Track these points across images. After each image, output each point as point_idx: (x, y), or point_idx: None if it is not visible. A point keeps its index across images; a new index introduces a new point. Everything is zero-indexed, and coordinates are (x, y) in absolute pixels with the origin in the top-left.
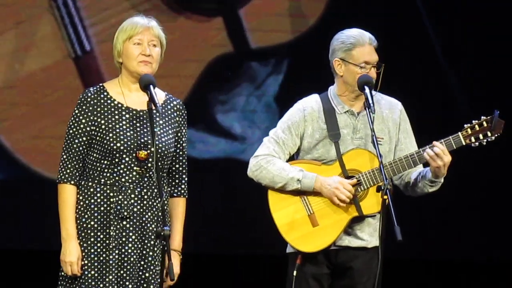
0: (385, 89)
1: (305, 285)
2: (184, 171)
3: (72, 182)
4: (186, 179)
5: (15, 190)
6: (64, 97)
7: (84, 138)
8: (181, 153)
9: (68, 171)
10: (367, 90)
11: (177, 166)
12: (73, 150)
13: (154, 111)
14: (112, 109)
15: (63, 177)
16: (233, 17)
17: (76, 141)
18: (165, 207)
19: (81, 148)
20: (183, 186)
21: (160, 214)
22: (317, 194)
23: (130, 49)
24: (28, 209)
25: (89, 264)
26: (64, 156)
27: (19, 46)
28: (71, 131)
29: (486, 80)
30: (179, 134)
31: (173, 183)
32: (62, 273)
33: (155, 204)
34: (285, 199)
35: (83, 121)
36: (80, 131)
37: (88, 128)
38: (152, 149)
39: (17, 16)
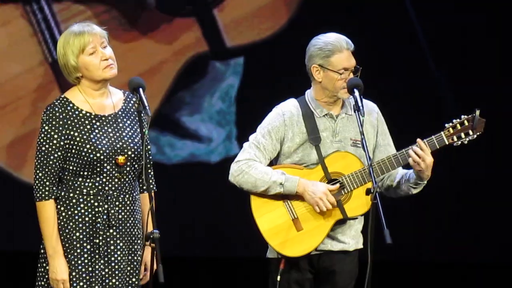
0: (373, 88)
1: None
2: (149, 166)
3: (52, 197)
4: (152, 173)
5: None
6: (41, 101)
7: (60, 153)
8: (146, 148)
9: (47, 188)
10: (356, 93)
11: (143, 162)
12: (49, 167)
13: (118, 114)
14: (82, 120)
15: (42, 195)
16: (207, 17)
17: (52, 157)
18: (136, 207)
19: (57, 163)
20: (150, 181)
21: (139, 217)
22: (300, 198)
23: (89, 60)
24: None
25: (77, 276)
26: (40, 174)
27: None
28: (43, 148)
29: (473, 79)
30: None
31: (140, 179)
32: (41, 285)
33: (135, 208)
34: (268, 203)
35: (55, 136)
36: (53, 147)
37: (62, 143)
38: (129, 152)
39: None
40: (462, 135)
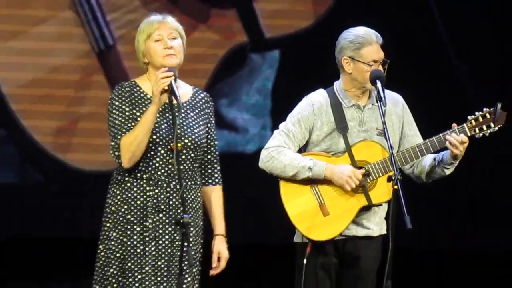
0: (396, 81)
1: (314, 274)
2: (215, 160)
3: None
4: (218, 168)
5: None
6: (90, 91)
7: (132, 124)
8: (212, 143)
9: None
10: (378, 84)
11: (209, 156)
12: (123, 132)
13: (183, 104)
14: (146, 103)
15: (118, 141)
16: (246, 8)
17: (126, 127)
18: (189, 195)
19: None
20: (216, 175)
21: (192, 204)
22: (328, 184)
23: (153, 46)
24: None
25: (126, 256)
26: (118, 136)
27: (43, 42)
28: (117, 122)
29: (496, 72)
30: (209, 125)
31: (206, 173)
32: (98, 264)
33: (189, 196)
34: (297, 190)
35: (127, 109)
36: (127, 118)
37: (133, 116)
38: (186, 140)
39: (39, 12)
40: (484, 127)
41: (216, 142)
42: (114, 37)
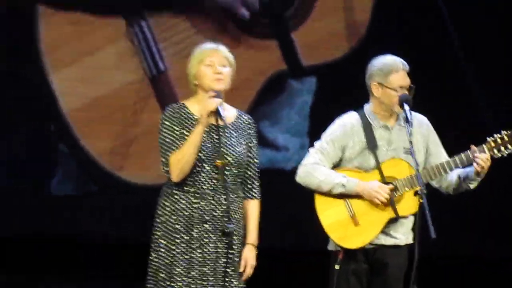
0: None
1: (346, 280)
2: (255, 177)
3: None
4: (257, 183)
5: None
6: (143, 111)
7: (181, 142)
8: (252, 161)
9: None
10: (406, 107)
11: (249, 173)
12: (173, 150)
13: (227, 125)
14: (193, 123)
15: (168, 157)
16: (286, 39)
17: (174, 147)
18: (232, 207)
19: (174, 147)
20: (255, 190)
21: (235, 215)
22: (358, 197)
23: (204, 70)
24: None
25: (174, 262)
26: (168, 153)
27: (102, 66)
28: (167, 140)
29: (501, 72)
30: (250, 145)
31: (246, 188)
32: (150, 269)
33: (231, 207)
34: (330, 202)
35: (176, 128)
36: (177, 136)
37: (182, 135)
38: (229, 158)
39: (99, 40)
40: (502, 148)
41: (256, 160)
42: (165, 64)
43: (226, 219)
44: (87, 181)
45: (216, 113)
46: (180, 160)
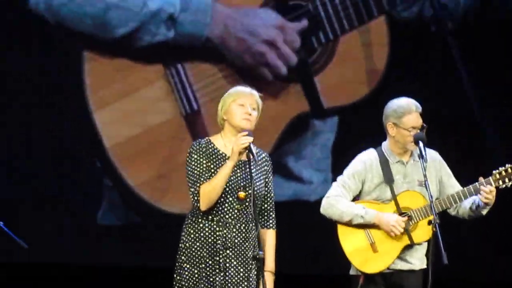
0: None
1: None
2: (271, 209)
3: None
4: (273, 215)
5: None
6: (176, 148)
7: (208, 175)
8: (269, 195)
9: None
10: (421, 144)
11: (265, 205)
12: (201, 181)
13: (254, 160)
14: (219, 157)
15: (198, 188)
16: (309, 83)
17: (203, 178)
18: (250, 235)
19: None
20: (271, 221)
21: (254, 243)
22: (377, 227)
23: (235, 108)
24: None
25: (198, 284)
26: (197, 184)
27: (141, 105)
28: (195, 172)
29: (500, 73)
30: (267, 180)
31: (263, 219)
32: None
33: (250, 235)
34: (351, 230)
35: (203, 161)
36: (204, 169)
37: (208, 168)
38: (250, 191)
39: (138, 81)
40: (506, 180)
41: (272, 194)
42: (198, 103)
43: (247, 245)
44: (129, 212)
45: (248, 149)
46: (211, 192)
